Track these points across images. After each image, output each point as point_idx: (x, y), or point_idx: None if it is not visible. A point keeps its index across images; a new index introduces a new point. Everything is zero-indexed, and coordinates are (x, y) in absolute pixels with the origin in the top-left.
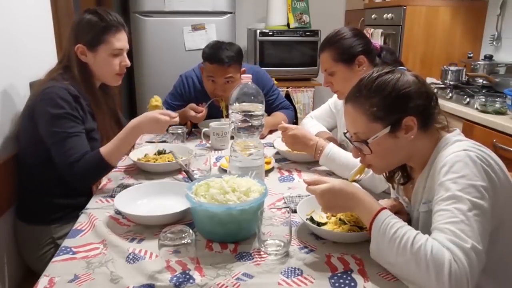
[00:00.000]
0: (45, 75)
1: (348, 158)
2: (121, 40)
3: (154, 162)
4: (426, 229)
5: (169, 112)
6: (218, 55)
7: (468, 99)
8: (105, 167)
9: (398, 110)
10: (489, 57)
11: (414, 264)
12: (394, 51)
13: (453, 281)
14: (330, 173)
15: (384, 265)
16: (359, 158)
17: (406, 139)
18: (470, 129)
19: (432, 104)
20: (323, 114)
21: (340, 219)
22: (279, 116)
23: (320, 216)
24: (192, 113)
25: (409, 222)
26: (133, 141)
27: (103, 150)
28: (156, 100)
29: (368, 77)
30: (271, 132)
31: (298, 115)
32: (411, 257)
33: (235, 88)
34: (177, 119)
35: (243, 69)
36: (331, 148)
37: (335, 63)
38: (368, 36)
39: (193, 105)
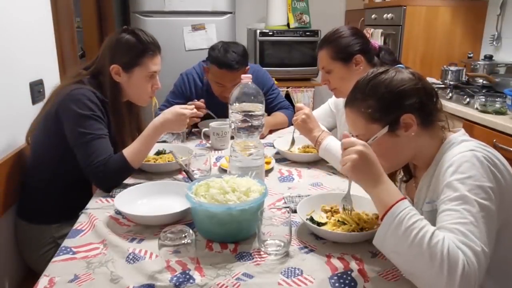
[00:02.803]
0: (68, 76)
1: None
2: (156, 64)
3: (154, 162)
4: None
5: (186, 106)
6: (227, 60)
7: (468, 99)
8: (128, 169)
9: (394, 109)
10: (489, 57)
11: (428, 258)
12: (393, 51)
13: (464, 282)
14: (330, 173)
15: (388, 254)
16: None
17: (407, 137)
18: (470, 129)
19: (432, 100)
20: (323, 114)
21: (339, 220)
22: (279, 116)
23: (320, 216)
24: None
25: None
26: (155, 141)
27: (126, 152)
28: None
29: (363, 79)
30: (271, 132)
31: None
32: (427, 250)
33: (235, 88)
34: (195, 110)
35: (247, 67)
36: (329, 142)
37: (332, 61)
38: (368, 36)
39: (192, 102)
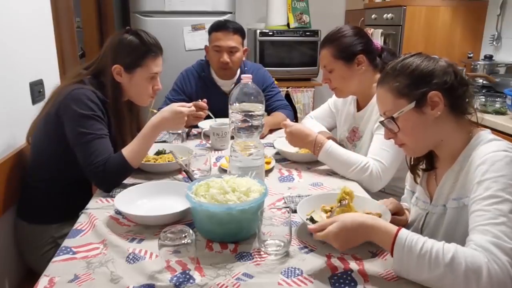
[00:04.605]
0: (68, 76)
1: (347, 155)
2: (158, 65)
3: (154, 162)
4: (452, 225)
5: (183, 103)
6: (223, 24)
7: None
8: (128, 169)
9: (422, 86)
10: (489, 57)
11: (450, 275)
12: (395, 52)
13: (494, 282)
14: (330, 173)
15: (415, 280)
16: (356, 156)
17: (433, 116)
18: None
19: (462, 86)
20: (322, 114)
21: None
22: (279, 116)
23: (320, 216)
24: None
25: (406, 222)
26: (154, 140)
27: (126, 151)
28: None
29: (395, 60)
30: (271, 131)
31: (298, 115)
32: (446, 269)
33: (235, 88)
34: (193, 108)
35: (245, 47)
36: (331, 145)
37: (334, 60)
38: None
39: (195, 102)
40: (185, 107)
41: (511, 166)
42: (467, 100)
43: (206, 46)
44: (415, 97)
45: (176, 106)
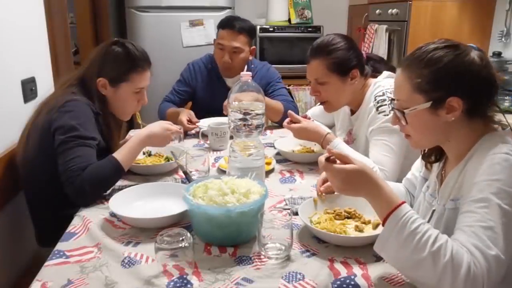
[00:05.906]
0: (59, 87)
1: (354, 157)
2: (145, 80)
3: (144, 163)
4: (449, 227)
5: (171, 124)
6: (230, 22)
7: None
8: (120, 172)
9: (444, 89)
10: (497, 54)
11: (430, 263)
12: (383, 59)
13: (469, 284)
14: None
15: (389, 258)
16: (364, 160)
17: (446, 119)
18: None
19: (489, 92)
20: (321, 113)
21: (335, 216)
22: (275, 102)
23: (321, 215)
24: (185, 120)
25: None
26: (138, 153)
27: (117, 155)
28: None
29: (426, 47)
30: (271, 131)
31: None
32: (429, 255)
33: (234, 86)
34: (181, 131)
35: (253, 47)
36: (338, 142)
37: (329, 73)
38: (372, 32)
39: (192, 113)
40: (174, 126)
41: (508, 171)
42: (489, 102)
43: (214, 40)
44: (432, 97)
45: (164, 123)
